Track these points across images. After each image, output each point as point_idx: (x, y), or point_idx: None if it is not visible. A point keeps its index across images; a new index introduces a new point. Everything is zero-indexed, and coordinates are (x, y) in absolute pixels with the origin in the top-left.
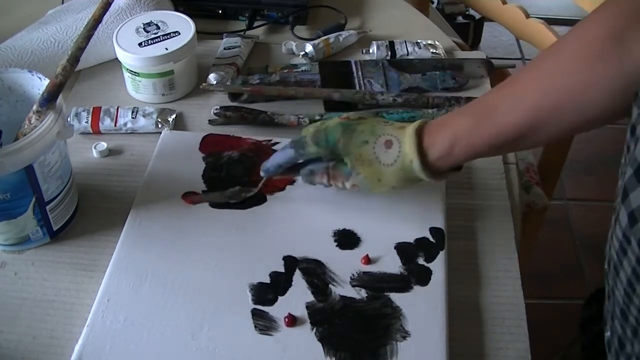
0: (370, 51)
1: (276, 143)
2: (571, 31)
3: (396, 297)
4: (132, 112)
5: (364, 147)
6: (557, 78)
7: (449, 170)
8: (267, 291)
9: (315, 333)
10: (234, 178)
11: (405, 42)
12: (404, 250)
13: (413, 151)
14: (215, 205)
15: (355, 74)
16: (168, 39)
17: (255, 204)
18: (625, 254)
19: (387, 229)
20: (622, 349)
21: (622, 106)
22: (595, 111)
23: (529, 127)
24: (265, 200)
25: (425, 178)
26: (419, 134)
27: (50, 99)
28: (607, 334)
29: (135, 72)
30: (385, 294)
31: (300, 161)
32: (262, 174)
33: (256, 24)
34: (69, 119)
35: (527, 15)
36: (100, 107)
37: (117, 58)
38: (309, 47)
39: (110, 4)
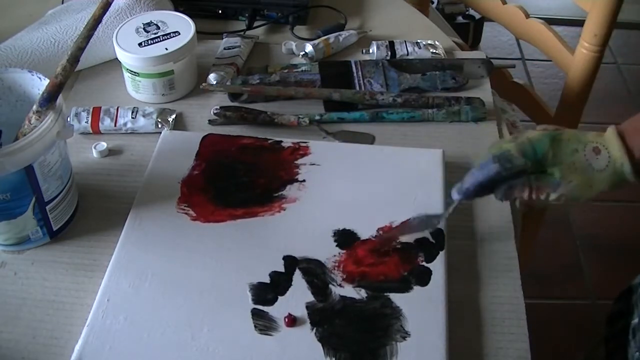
0: (370, 51)
1: (279, 142)
2: None
3: (396, 298)
4: (132, 112)
5: (576, 155)
6: None
7: None
8: (267, 291)
9: (315, 333)
10: (234, 178)
11: (405, 42)
12: (404, 250)
13: (623, 154)
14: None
15: (355, 74)
16: (168, 39)
17: (256, 204)
18: None
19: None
20: None
21: None
22: None
23: None
24: (265, 200)
25: (634, 179)
26: (622, 137)
27: (50, 99)
28: (635, 320)
29: (135, 72)
30: (385, 294)
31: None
32: (456, 196)
33: (256, 24)
34: (69, 119)
35: (527, 15)
36: (100, 107)
37: (117, 58)
38: (309, 47)
39: (110, 4)
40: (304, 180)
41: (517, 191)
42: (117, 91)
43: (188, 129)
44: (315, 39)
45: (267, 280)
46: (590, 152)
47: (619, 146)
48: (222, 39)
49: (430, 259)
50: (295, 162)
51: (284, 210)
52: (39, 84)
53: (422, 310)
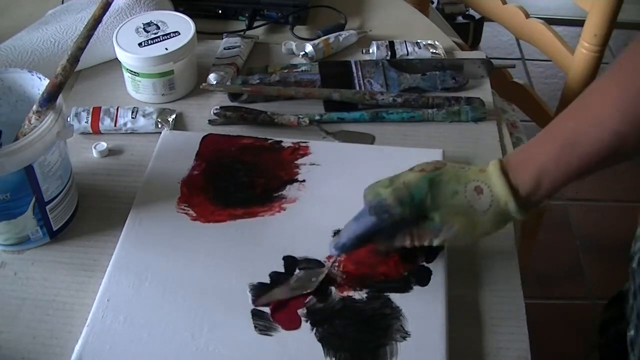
0: (370, 51)
1: (279, 142)
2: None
3: (396, 298)
4: (132, 112)
5: (456, 197)
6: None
7: (535, 204)
8: (267, 291)
9: (315, 333)
10: (234, 178)
11: (405, 42)
12: (404, 250)
13: (506, 193)
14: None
15: (355, 74)
16: (168, 39)
17: (256, 204)
18: None
19: None
20: None
21: None
22: None
23: (616, 150)
24: (265, 200)
25: (520, 217)
26: (504, 173)
27: (50, 99)
28: (631, 332)
29: (135, 72)
30: (385, 294)
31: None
32: (333, 252)
33: (256, 24)
34: (69, 119)
35: (527, 15)
36: (100, 107)
37: (117, 58)
38: (308, 47)
39: (110, 4)
40: (303, 180)
41: (397, 241)
42: (117, 91)
43: (188, 129)
44: (315, 39)
45: (267, 280)
46: (472, 192)
47: (502, 184)
48: (222, 39)
49: (430, 259)
50: (295, 162)
51: (284, 210)
52: (39, 84)
53: (422, 310)
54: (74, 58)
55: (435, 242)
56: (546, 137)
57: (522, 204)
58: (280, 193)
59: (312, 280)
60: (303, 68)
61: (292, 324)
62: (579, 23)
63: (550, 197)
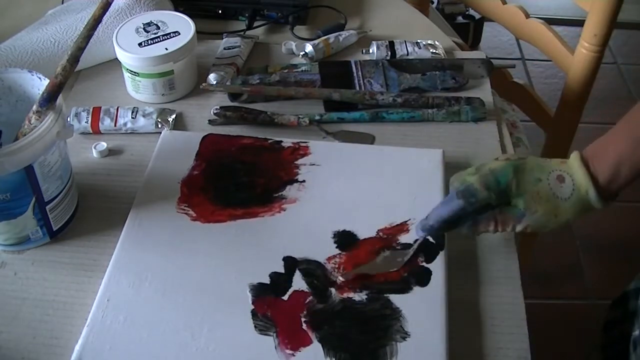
0: (370, 51)
1: (279, 142)
2: None
3: (396, 298)
4: (132, 112)
5: (540, 184)
6: None
7: (615, 195)
8: (267, 291)
9: (315, 334)
10: (234, 178)
11: (405, 42)
12: (404, 251)
13: (587, 182)
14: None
15: (355, 74)
16: (168, 39)
17: (256, 204)
18: None
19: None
20: None
21: None
22: None
23: None
24: (265, 200)
25: (600, 206)
26: (585, 164)
27: (50, 99)
28: (636, 332)
29: (135, 72)
30: (385, 295)
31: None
32: (420, 233)
33: (256, 24)
34: (69, 119)
35: (527, 15)
36: (100, 107)
37: (117, 58)
38: (308, 47)
39: (110, 4)
40: (303, 181)
41: (482, 225)
42: (117, 91)
43: (188, 129)
44: (315, 39)
45: (267, 280)
46: (554, 181)
47: (583, 173)
48: (222, 39)
49: (430, 259)
50: (295, 162)
51: (284, 210)
52: (39, 84)
53: (422, 310)
54: (74, 58)
55: (518, 228)
56: (624, 127)
57: (602, 193)
58: (280, 193)
59: (398, 260)
60: (303, 68)
61: (303, 342)
62: (579, 23)
63: (630, 185)
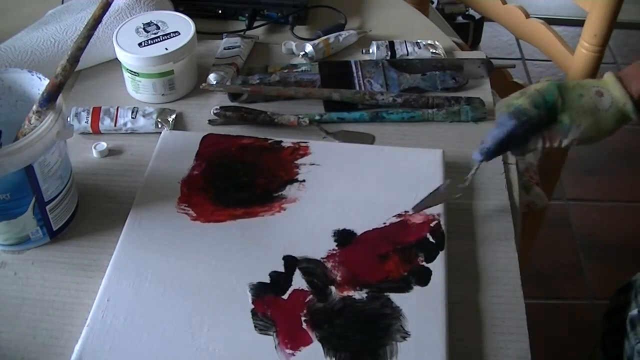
0: (370, 51)
1: (279, 142)
2: None
3: (396, 298)
4: (132, 112)
5: (582, 99)
6: None
7: None
8: (267, 291)
9: (315, 333)
10: (234, 178)
11: (405, 42)
12: (404, 250)
13: (623, 94)
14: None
15: (355, 74)
16: (168, 39)
17: (256, 204)
18: None
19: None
20: None
21: None
22: None
23: None
24: (265, 200)
25: (636, 118)
26: (620, 80)
27: (50, 99)
28: (634, 312)
29: (135, 72)
30: (385, 294)
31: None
32: (478, 157)
33: (256, 24)
34: (69, 119)
35: (527, 15)
36: (100, 107)
37: (117, 58)
38: (308, 47)
39: (110, 4)
40: (303, 181)
41: (531, 144)
42: (117, 91)
43: (188, 129)
44: (315, 39)
45: (267, 280)
46: (594, 95)
47: (619, 87)
48: (222, 39)
49: (430, 259)
50: (295, 162)
51: (284, 210)
52: (39, 84)
53: (422, 310)
54: (74, 58)
55: (565, 142)
56: None
57: (637, 105)
58: (280, 193)
59: (459, 187)
60: (303, 68)
61: (303, 341)
62: (579, 23)
63: None
